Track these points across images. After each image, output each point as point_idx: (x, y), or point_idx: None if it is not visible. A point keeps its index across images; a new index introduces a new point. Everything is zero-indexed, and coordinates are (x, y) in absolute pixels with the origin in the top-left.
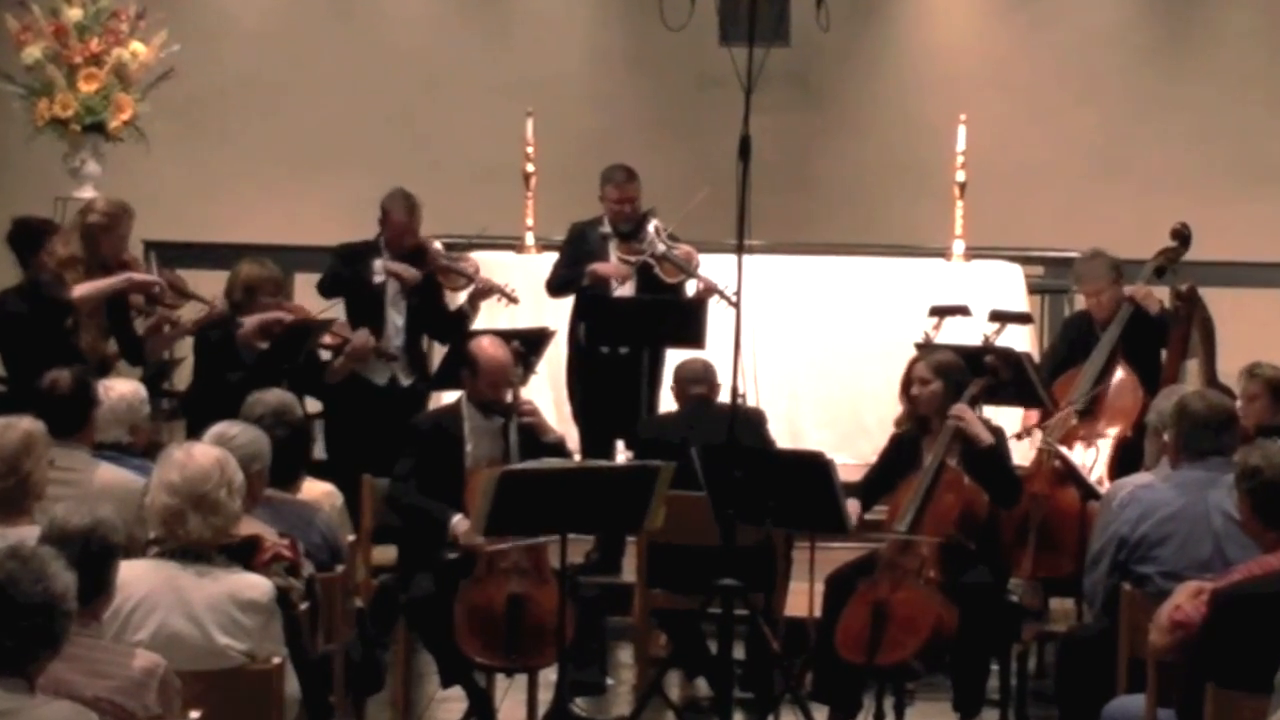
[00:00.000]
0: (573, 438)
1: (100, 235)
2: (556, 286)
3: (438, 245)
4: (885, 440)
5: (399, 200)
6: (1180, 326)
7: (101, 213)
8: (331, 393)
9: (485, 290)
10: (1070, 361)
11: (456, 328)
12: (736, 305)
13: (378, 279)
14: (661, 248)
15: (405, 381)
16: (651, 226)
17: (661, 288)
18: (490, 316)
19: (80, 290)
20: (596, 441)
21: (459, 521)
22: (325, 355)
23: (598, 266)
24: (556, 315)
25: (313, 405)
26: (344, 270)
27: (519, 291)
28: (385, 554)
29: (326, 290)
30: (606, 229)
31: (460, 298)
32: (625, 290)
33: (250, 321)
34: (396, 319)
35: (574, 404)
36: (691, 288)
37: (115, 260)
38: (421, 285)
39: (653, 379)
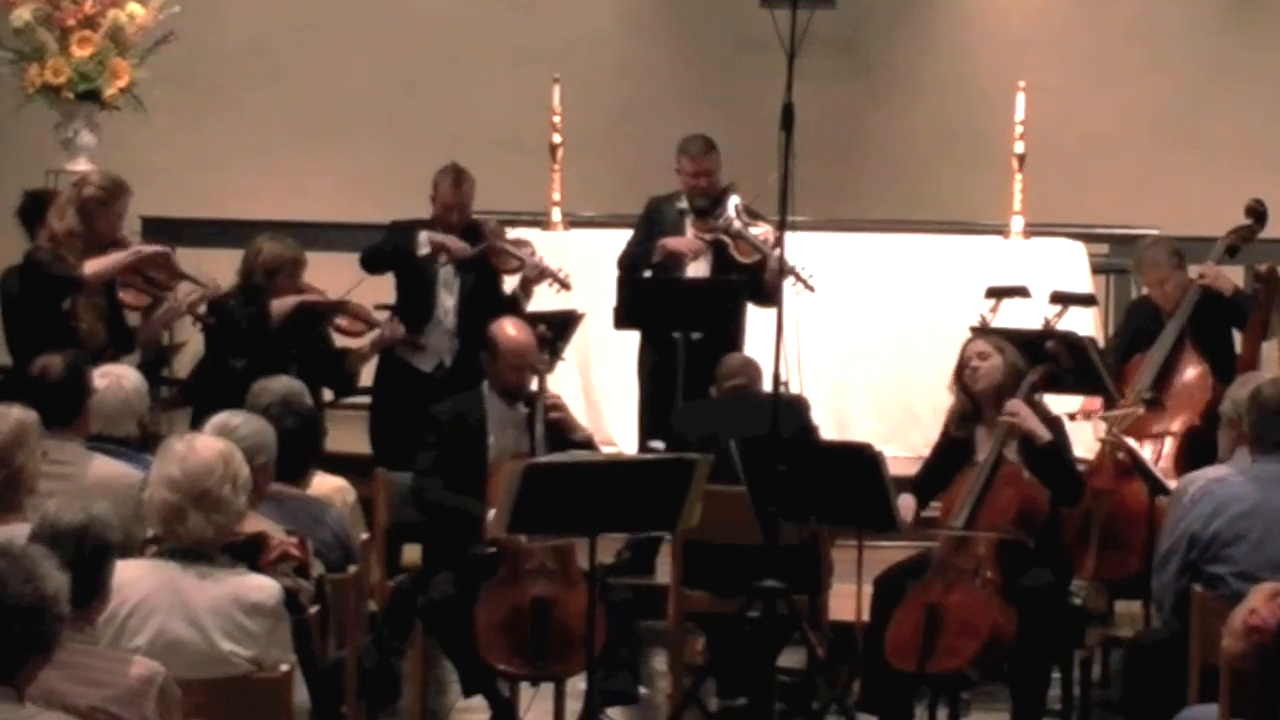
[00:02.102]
0: (619, 430)
1: (96, 210)
2: (628, 264)
3: (494, 224)
4: (937, 431)
5: (447, 173)
6: (1260, 310)
7: (98, 186)
8: (375, 382)
9: (538, 275)
10: (1136, 349)
11: (508, 313)
12: (813, 289)
13: (423, 251)
14: (738, 225)
15: (449, 365)
16: (731, 203)
17: (737, 267)
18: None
19: (91, 267)
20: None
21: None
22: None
23: (669, 241)
24: (586, 298)
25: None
26: (389, 243)
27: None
28: (413, 553)
29: (370, 263)
30: (684, 204)
31: (510, 282)
32: (700, 268)
33: (279, 305)
34: (448, 300)
35: (641, 394)
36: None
37: (109, 238)
38: (477, 265)
39: (689, 366)
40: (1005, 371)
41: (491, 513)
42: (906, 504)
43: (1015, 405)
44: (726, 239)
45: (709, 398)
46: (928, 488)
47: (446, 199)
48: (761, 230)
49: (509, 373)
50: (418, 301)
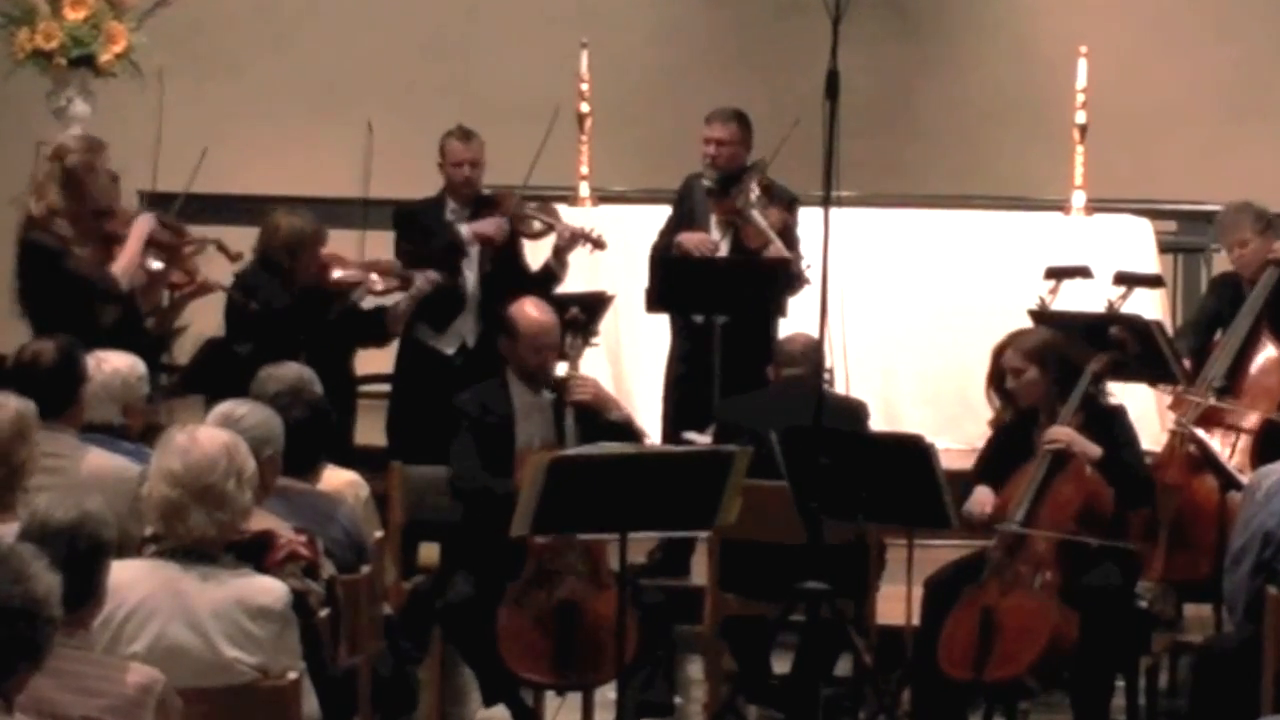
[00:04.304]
0: (652, 420)
1: (85, 177)
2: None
3: (512, 193)
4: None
5: (453, 133)
6: None
7: (80, 151)
8: (396, 368)
9: (570, 240)
10: (1219, 326)
11: (543, 289)
12: (809, 282)
13: (471, 249)
14: (749, 208)
15: (473, 345)
16: (753, 183)
17: (747, 251)
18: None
19: (120, 265)
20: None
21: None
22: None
23: (683, 238)
24: (616, 280)
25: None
26: (417, 244)
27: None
28: (430, 553)
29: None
30: (709, 181)
31: (532, 250)
32: (719, 252)
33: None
34: (470, 276)
35: (666, 381)
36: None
37: (105, 204)
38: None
39: (725, 352)
40: (1043, 380)
41: None
42: (984, 497)
43: (1056, 432)
44: (739, 221)
45: (758, 388)
46: (993, 477)
47: (457, 155)
48: (775, 216)
49: (530, 355)
50: (446, 289)
